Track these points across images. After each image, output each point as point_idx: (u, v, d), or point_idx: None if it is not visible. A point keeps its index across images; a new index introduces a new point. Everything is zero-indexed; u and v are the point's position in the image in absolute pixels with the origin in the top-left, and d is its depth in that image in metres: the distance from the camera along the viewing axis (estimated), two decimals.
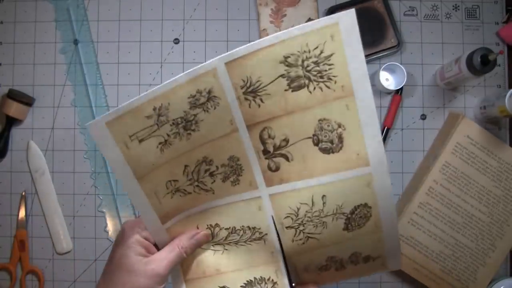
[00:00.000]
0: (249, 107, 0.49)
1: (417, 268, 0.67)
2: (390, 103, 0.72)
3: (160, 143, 0.47)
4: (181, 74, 0.45)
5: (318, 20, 0.46)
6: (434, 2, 0.73)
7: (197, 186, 0.50)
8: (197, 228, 0.51)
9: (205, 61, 0.75)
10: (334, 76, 0.48)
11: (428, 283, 0.67)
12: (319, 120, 0.50)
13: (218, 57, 0.47)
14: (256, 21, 0.73)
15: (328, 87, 0.49)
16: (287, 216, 0.52)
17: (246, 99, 0.49)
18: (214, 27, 0.73)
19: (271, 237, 0.51)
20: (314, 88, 0.49)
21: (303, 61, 0.48)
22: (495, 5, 0.74)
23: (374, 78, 0.72)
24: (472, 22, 0.73)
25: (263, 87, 0.49)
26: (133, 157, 0.47)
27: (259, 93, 0.50)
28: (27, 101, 0.70)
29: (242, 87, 0.48)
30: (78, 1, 0.73)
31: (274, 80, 0.49)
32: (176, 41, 0.73)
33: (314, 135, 0.50)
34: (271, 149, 0.51)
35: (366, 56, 0.71)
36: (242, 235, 0.51)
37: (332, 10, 0.71)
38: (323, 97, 0.49)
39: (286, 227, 0.52)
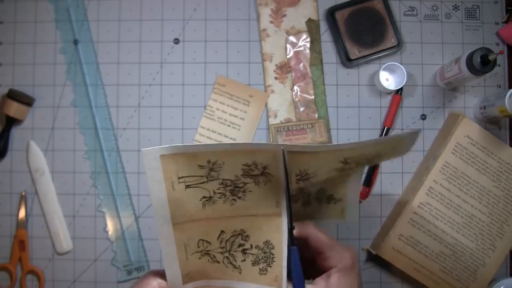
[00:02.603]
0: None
1: (417, 268, 0.67)
2: (390, 103, 0.72)
3: (204, 197, 0.47)
4: (244, 141, 0.46)
5: (391, 136, 0.50)
6: (434, 2, 0.73)
7: (227, 258, 0.49)
8: None
9: (205, 61, 0.75)
10: None
11: (428, 283, 0.67)
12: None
13: (284, 143, 0.48)
14: (256, 21, 0.73)
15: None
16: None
17: (297, 182, 0.50)
18: (214, 27, 0.73)
19: None
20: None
21: (358, 162, 0.52)
22: (495, 5, 0.74)
23: (374, 78, 0.72)
24: (472, 22, 0.73)
25: (316, 176, 0.51)
26: (175, 199, 0.46)
27: (310, 179, 0.51)
28: (27, 101, 0.70)
29: (296, 175, 0.50)
30: (78, 1, 0.73)
31: (328, 172, 0.51)
32: (176, 41, 0.73)
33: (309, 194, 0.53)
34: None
35: (366, 56, 0.71)
36: None
37: (331, 10, 0.71)
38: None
39: None
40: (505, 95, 0.63)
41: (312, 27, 0.72)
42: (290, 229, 0.48)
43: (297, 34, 0.72)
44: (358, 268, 0.48)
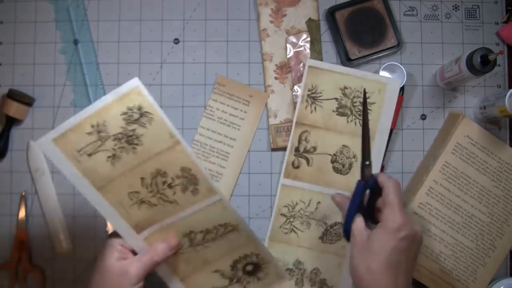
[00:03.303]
0: (305, 108, 0.68)
1: (417, 268, 0.67)
2: None
3: (108, 157, 0.51)
4: (106, 95, 0.50)
5: (377, 75, 0.65)
6: (434, 2, 0.73)
7: (160, 198, 0.54)
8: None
9: (205, 61, 0.75)
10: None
11: (428, 283, 0.67)
12: (343, 145, 0.67)
13: (134, 79, 0.51)
14: (256, 21, 0.73)
15: (360, 125, 0.66)
16: (286, 206, 0.68)
17: (306, 100, 0.67)
18: (214, 27, 0.73)
19: (242, 226, 0.58)
20: (351, 120, 0.67)
21: (354, 97, 0.67)
22: (495, 5, 0.74)
23: None
24: (472, 22, 0.73)
25: (321, 99, 0.67)
26: (87, 169, 0.51)
27: (317, 102, 0.67)
28: (27, 101, 0.70)
29: (309, 90, 0.67)
30: (78, 1, 0.73)
31: (330, 99, 0.67)
32: (176, 41, 0.73)
33: (334, 154, 0.67)
34: (301, 149, 0.68)
35: (366, 56, 0.71)
36: (216, 232, 0.57)
37: (331, 10, 0.71)
38: (353, 130, 0.67)
39: (281, 214, 0.68)
40: (505, 95, 0.63)
41: (312, 27, 0.72)
42: (363, 164, 0.55)
43: (297, 34, 0.72)
44: (403, 240, 0.49)
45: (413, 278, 0.68)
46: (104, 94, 0.71)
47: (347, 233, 0.53)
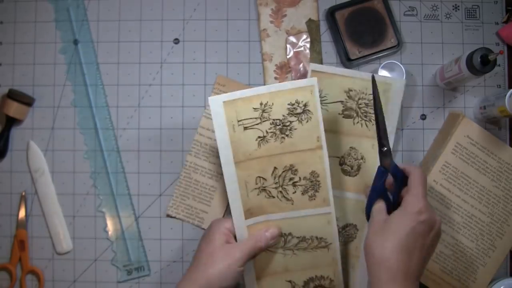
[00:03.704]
0: None
1: None
2: None
3: (259, 137, 0.56)
4: (285, 82, 0.55)
5: (381, 76, 0.64)
6: (434, 2, 0.73)
7: (281, 192, 0.57)
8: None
9: (205, 61, 0.75)
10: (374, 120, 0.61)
11: (428, 283, 0.67)
12: (350, 147, 0.65)
13: (313, 78, 0.56)
14: (256, 21, 0.73)
15: (367, 126, 0.65)
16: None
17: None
18: (214, 27, 0.73)
19: (334, 246, 0.59)
20: (357, 122, 0.66)
21: (359, 99, 0.66)
22: (495, 5, 0.74)
23: None
24: (472, 22, 0.73)
25: (326, 102, 0.65)
26: (236, 141, 0.56)
27: (323, 106, 0.64)
28: (27, 101, 0.70)
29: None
30: (78, 1, 0.73)
31: (335, 102, 0.66)
32: (176, 41, 0.73)
33: (342, 157, 0.65)
34: None
35: (366, 56, 0.71)
36: (310, 243, 0.59)
37: (331, 10, 0.71)
38: (360, 132, 0.66)
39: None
40: (505, 95, 0.63)
41: (312, 27, 0.72)
42: (380, 151, 0.56)
43: (297, 34, 0.72)
44: (422, 224, 0.50)
45: None
46: (104, 94, 0.72)
47: (368, 217, 0.54)
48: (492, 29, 0.73)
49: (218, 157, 0.67)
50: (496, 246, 0.68)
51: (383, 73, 0.71)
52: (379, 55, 0.72)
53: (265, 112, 0.55)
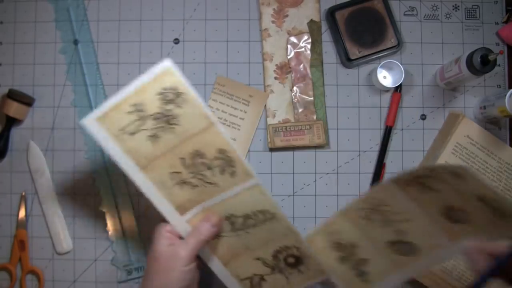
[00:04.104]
0: None
1: None
2: (390, 102, 0.72)
3: (149, 136, 0.53)
4: (142, 76, 0.51)
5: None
6: (434, 2, 0.73)
7: (200, 179, 0.55)
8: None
9: (205, 61, 0.75)
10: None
11: (428, 283, 0.67)
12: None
13: (167, 60, 0.53)
14: (256, 21, 0.73)
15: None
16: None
17: None
18: (214, 27, 0.73)
19: (280, 215, 0.57)
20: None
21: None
22: (495, 5, 0.74)
23: (372, 76, 0.72)
24: (472, 22, 0.74)
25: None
26: (130, 148, 0.53)
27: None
28: (27, 101, 0.70)
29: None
30: (78, 1, 0.73)
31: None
32: (176, 41, 0.73)
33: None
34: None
35: (366, 56, 0.71)
36: (256, 218, 0.57)
37: (331, 10, 0.71)
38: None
39: None
40: (505, 95, 0.63)
41: (313, 28, 0.72)
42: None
43: (299, 35, 0.72)
44: None
45: (413, 278, 0.68)
46: (104, 94, 0.72)
47: None
48: (492, 29, 0.73)
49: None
50: None
51: (381, 72, 0.71)
52: (379, 55, 0.72)
53: (141, 111, 0.52)
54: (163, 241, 0.54)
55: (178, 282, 0.53)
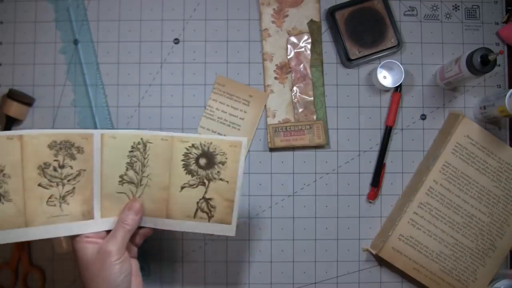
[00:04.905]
0: None
1: (417, 268, 0.67)
2: (390, 102, 0.72)
3: None
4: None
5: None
6: (434, 2, 0.73)
7: (69, 181, 0.55)
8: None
9: (205, 61, 0.75)
10: None
11: (428, 283, 0.67)
12: None
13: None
14: (256, 21, 0.73)
15: None
16: None
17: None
18: (214, 27, 0.73)
19: (145, 133, 0.57)
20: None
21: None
22: (495, 5, 0.74)
23: (372, 76, 0.72)
24: (472, 22, 0.73)
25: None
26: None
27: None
28: (27, 101, 0.70)
29: None
30: (78, 1, 0.73)
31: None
32: (176, 41, 0.73)
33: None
34: None
35: (366, 56, 0.71)
36: (137, 159, 0.57)
37: (331, 10, 0.71)
38: None
39: None
40: (505, 95, 0.63)
41: (313, 28, 0.72)
42: None
43: (299, 35, 0.72)
44: None
45: (413, 278, 0.68)
46: (104, 94, 0.72)
47: None
48: (492, 29, 0.73)
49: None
50: (496, 246, 0.68)
51: (381, 72, 0.71)
52: (379, 55, 0.72)
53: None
54: (86, 250, 0.53)
55: (117, 277, 0.52)
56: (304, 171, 0.72)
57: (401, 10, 0.73)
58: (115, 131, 0.57)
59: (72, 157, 0.55)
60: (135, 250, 0.59)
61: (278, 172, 0.72)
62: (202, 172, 0.58)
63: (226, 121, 0.71)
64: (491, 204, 0.68)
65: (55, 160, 0.54)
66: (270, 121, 0.71)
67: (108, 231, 0.56)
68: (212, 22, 0.73)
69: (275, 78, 0.72)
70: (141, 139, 0.57)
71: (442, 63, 0.73)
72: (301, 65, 0.72)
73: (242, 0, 0.73)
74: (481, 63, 0.62)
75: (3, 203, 0.53)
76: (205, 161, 0.59)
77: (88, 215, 0.56)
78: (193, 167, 0.58)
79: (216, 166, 0.58)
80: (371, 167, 0.72)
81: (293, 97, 0.72)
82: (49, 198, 0.54)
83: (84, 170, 0.56)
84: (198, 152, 0.58)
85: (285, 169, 0.72)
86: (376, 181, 0.71)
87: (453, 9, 0.74)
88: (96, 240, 0.54)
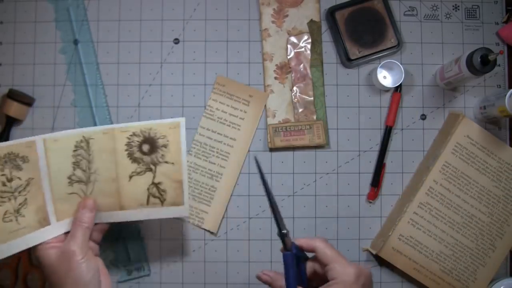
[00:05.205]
0: None
1: (417, 268, 0.67)
2: (390, 102, 0.72)
3: None
4: None
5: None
6: (434, 2, 0.73)
7: (19, 193, 0.55)
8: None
9: (205, 61, 0.75)
10: None
11: (428, 283, 0.67)
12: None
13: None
14: (256, 21, 0.73)
15: None
16: None
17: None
18: (214, 27, 0.73)
19: (87, 130, 0.58)
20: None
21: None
22: (495, 5, 0.74)
23: (372, 76, 0.72)
24: (472, 22, 0.73)
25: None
26: None
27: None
28: (27, 101, 0.70)
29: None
30: (78, 1, 0.73)
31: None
32: (176, 41, 0.73)
33: None
34: None
35: (366, 56, 0.71)
36: (82, 157, 0.58)
37: (331, 10, 0.71)
38: None
39: None
40: (505, 95, 0.63)
41: (313, 28, 0.72)
42: (281, 234, 0.52)
43: (299, 35, 0.72)
44: (364, 286, 0.49)
45: (413, 278, 0.68)
46: (104, 94, 0.72)
47: None
48: (492, 29, 0.73)
49: (218, 157, 0.67)
50: (496, 246, 0.68)
51: (381, 72, 0.71)
52: (379, 55, 0.72)
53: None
54: (49, 256, 0.53)
55: (86, 275, 0.52)
56: (304, 171, 0.72)
57: (401, 10, 0.73)
58: (57, 134, 0.57)
59: (19, 168, 0.55)
60: (96, 248, 0.59)
61: (278, 172, 0.72)
62: (147, 158, 0.59)
63: (226, 121, 0.71)
64: (491, 204, 0.68)
65: (2, 175, 0.54)
66: (270, 121, 0.71)
67: (67, 233, 0.56)
68: (212, 22, 0.73)
69: (275, 78, 0.72)
70: (83, 137, 0.57)
71: (442, 63, 0.73)
72: (301, 65, 0.72)
73: (242, 0, 0.73)
74: (481, 63, 0.62)
75: None
76: (148, 147, 0.59)
77: (44, 222, 0.56)
78: (137, 154, 0.59)
79: (159, 150, 0.59)
80: (371, 167, 0.72)
81: (293, 97, 0.72)
82: (4, 214, 0.54)
83: (32, 179, 0.56)
84: (140, 139, 0.59)
85: (285, 169, 0.72)
86: (376, 181, 0.71)
87: (453, 9, 0.74)
88: (57, 244, 0.55)
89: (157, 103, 0.72)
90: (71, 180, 0.58)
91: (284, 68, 0.72)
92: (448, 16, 0.73)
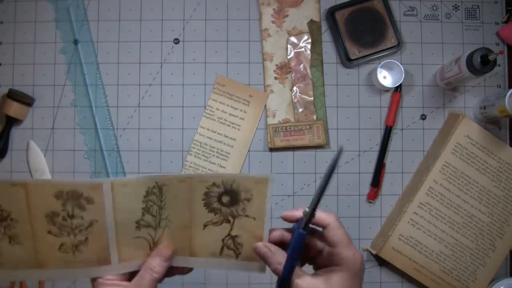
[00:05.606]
0: None
1: (417, 268, 0.67)
2: (390, 102, 0.72)
3: (8, 242, 0.51)
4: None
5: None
6: (434, 2, 0.73)
7: (80, 230, 0.52)
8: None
9: (205, 61, 0.75)
10: None
11: (428, 283, 0.67)
12: None
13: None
14: (256, 21, 0.73)
15: None
16: None
17: None
18: (214, 27, 0.73)
19: (161, 176, 0.53)
20: None
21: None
22: (495, 5, 0.74)
23: (372, 76, 0.72)
24: (472, 22, 0.73)
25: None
26: (10, 262, 0.52)
27: None
28: (27, 101, 0.70)
29: None
30: (78, 1, 0.73)
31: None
32: (176, 41, 0.73)
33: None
34: None
35: (366, 56, 0.71)
36: (152, 202, 0.53)
37: (331, 10, 0.71)
38: None
39: None
40: (505, 95, 0.63)
41: (313, 28, 0.72)
42: (311, 214, 0.50)
43: (299, 35, 0.72)
44: (362, 275, 0.47)
45: (413, 278, 0.68)
46: (104, 94, 0.72)
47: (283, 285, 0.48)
48: (492, 29, 0.73)
49: (218, 157, 0.67)
50: (496, 246, 0.68)
51: (381, 72, 0.71)
52: (379, 55, 0.72)
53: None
54: None
55: None
56: (304, 171, 0.72)
57: (401, 10, 0.73)
58: (126, 179, 0.53)
59: (82, 208, 0.52)
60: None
61: (278, 172, 0.71)
62: (225, 210, 0.55)
63: (226, 121, 0.71)
64: (491, 204, 0.68)
65: (63, 210, 0.51)
66: (270, 121, 0.71)
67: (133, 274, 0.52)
68: (212, 22, 0.73)
69: (275, 78, 0.72)
70: (156, 183, 0.52)
71: (442, 63, 0.73)
72: (301, 65, 0.72)
73: (242, 0, 0.73)
74: (481, 63, 0.62)
75: (13, 245, 0.51)
76: (228, 199, 0.54)
77: (105, 261, 0.53)
78: (216, 205, 0.54)
79: (240, 203, 0.54)
80: (371, 167, 0.72)
81: (293, 97, 0.72)
82: (61, 245, 0.52)
83: (96, 221, 0.52)
84: (220, 190, 0.54)
85: (285, 169, 0.72)
86: (376, 181, 0.71)
87: (453, 9, 0.74)
88: (118, 282, 0.51)
89: (157, 103, 0.72)
90: (139, 225, 0.54)
91: (284, 68, 0.72)
92: (448, 16, 0.73)
